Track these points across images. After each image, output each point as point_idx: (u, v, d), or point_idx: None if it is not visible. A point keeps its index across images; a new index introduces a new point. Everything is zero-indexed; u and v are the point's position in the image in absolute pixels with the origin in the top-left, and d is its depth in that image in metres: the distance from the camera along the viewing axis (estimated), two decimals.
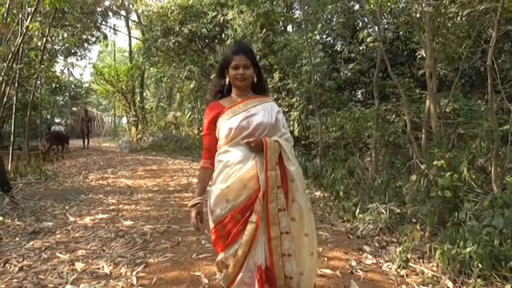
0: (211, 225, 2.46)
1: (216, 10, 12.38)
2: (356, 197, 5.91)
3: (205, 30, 12.85)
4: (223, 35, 13.66)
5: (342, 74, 10.40)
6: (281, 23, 11.36)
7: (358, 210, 5.39)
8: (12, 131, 10.39)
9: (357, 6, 9.79)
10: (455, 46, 6.64)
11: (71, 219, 6.06)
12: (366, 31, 8.20)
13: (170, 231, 5.28)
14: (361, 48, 9.74)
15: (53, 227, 5.66)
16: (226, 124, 2.43)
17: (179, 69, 14.49)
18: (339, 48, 10.80)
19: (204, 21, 12.63)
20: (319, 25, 9.28)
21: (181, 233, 5.15)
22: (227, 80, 2.54)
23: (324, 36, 12.02)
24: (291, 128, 10.86)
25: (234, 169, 2.37)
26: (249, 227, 2.30)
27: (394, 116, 7.70)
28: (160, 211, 6.40)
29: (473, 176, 4.49)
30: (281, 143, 2.41)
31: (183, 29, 12.62)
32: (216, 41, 13.71)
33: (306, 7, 9.30)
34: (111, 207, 6.74)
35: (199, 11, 12.78)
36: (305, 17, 9.29)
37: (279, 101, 11.31)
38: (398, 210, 4.88)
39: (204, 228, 3.15)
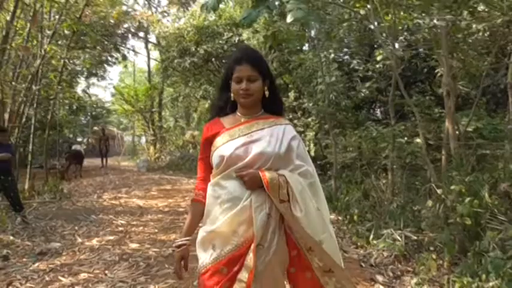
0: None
1: (231, 31, 12.40)
2: (371, 221, 5.63)
3: (220, 50, 12.85)
4: None
5: (359, 92, 10.20)
6: (296, 42, 11.22)
7: (372, 236, 5.11)
8: (30, 150, 10.48)
9: (375, 23, 9.62)
10: (476, 63, 6.40)
11: (79, 240, 5.99)
12: (381, 49, 7.99)
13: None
14: (377, 66, 9.54)
15: (60, 248, 5.61)
16: (219, 150, 1.97)
17: (195, 89, 14.52)
18: (355, 67, 10.62)
19: (220, 41, 12.65)
20: (334, 43, 9.16)
21: None
22: (232, 94, 2.03)
23: (341, 55, 11.86)
24: (307, 148, 10.66)
25: (223, 208, 1.90)
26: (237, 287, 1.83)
27: (410, 136, 7.42)
28: (168, 233, 6.25)
29: (496, 202, 4.18)
30: (289, 179, 1.88)
31: (198, 49, 12.65)
32: None
33: (319, 26, 9.14)
34: (120, 229, 6.64)
35: (215, 32, 12.81)
36: (318, 36, 9.14)
37: (295, 121, 11.15)
38: (415, 237, 4.59)
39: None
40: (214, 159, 1.98)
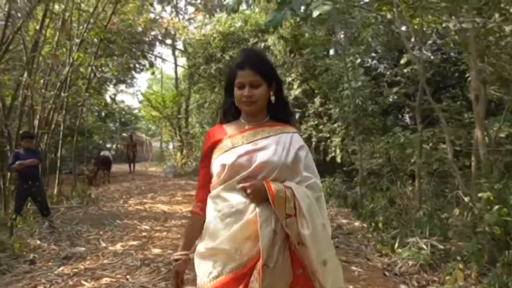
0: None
1: (257, 37, 12.41)
2: (396, 229, 5.48)
3: None
4: None
5: (386, 97, 10.01)
6: (321, 47, 11.16)
7: (397, 244, 4.97)
8: (59, 156, 10.70)
9: (403, 28, 9.45)
10: (509, 67, 6.17)
11: (103, 244, 6.06)
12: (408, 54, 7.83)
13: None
14: (405, 70, 9.34)
15: (85, 252, 5.68)
16: (220, 159, 1.80)
17: (220, 95, 14.58)
18: (382, 71, 10.44)
19: (245, 47, 12.64)
20: (361, 48, 9.03)
21: None
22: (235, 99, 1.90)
23: (368, 60, 11.71)
24: (333, 153, 10.53)
25: (225, 223, 1.72)
26: None
27: (439, 142, 7.21)
28: None
29: None
30: (296, 191, 1.71)
31: (224, 55, 12.72)
32: None
33: (343, 29, 9.04)
34: (143, 234, 6.69)
35: (241, 38, 12.85)
36: (344, 40, 9.03)
37: (320, 127, 11.05)
38: (442, 246, 4.43)
39: None
40: (215, 167, 1.82)
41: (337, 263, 1.83)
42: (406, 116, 11.93)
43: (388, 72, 10.04)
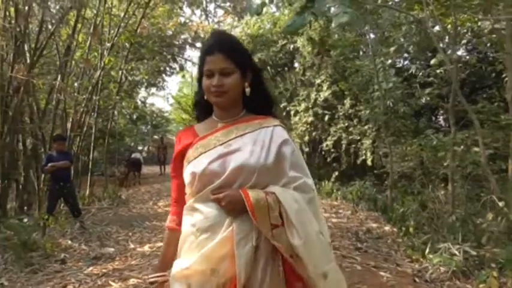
0: None
1: (286, 38, 12.33)
2: (428, 234, 5.31)
3: (275, 58, 12.82)
4: (294, 63, 13.57)
5: (418, 99, 9.76)
6: (349, 48, 11.00)
7: (428, 250, 4.81)
8: (91, 159, 10.94)
9: (436, 27, 9.21)
10: None
11: (131, 246, 6.14)
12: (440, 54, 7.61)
13: None
14: (438, 71, 9.09)
15: (114, 253, 5.77)
16: (190, 167, 1.55)
17: None
18: (414, 72, 10.20)
19: (274, 49, 12.63)
20: (392, 48, 8.84)
21: None
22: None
23: (401, 60, 11.47)
24: (364, 156, 10.36)
25: (199, 240, 1.49)
26: None
27: (473, 144, 6.95)
28: None
29: None
30: (280, 197, 1.46)
31: (253, 58, 12.67)
32: (286, 68, 13.63)
33: (371, 31, 8.88)
34: None
35: (269, 40, 12.81)
36: (374, 41, 8.87)
37: (351, 129, 10.88)
38: (475, 253, 4.25)
39: None
40: (186, 177, 1.58)
41: (340, 275, 1.58)
42: (440, 118, 11.63)
43: (420, 73, 9.78)
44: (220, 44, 1.57)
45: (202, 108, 1.71)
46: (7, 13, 7.28)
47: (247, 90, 1.60)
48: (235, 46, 1.61)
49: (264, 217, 1.43)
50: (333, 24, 3.67)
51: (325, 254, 1.52)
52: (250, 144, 1.53)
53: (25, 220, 6.74)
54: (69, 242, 6.24)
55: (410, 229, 5.81)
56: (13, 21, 7.18)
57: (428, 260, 4.67)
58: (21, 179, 8.37)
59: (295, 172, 1.55)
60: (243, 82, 1.58)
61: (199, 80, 1.63)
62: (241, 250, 1.43)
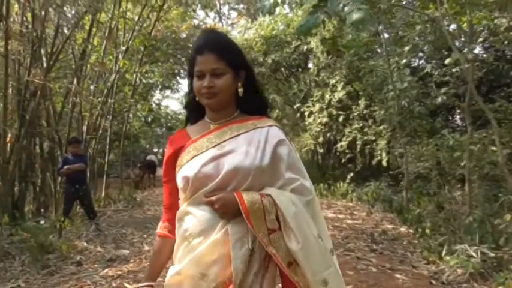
0: None
1: (299, 39, 12.30)
2: (444, 236, 5.23)
3: (289, 59, 12.81)
4: (308, 63, 13.53)
5: (434, 98, 9.64)
6: (365, 47, 10.92)
7: (444, 251, 4.73)
8: (107, 161, 11.05)
9: (452, 26, 9.08)
10: None
11: (146, 248, 6.14)
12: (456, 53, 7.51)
13: None
14: (454, 70, 8.96)
15: (129, 255, 5.78)
16: (183, 171, 1.50)
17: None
18: (430, 71, 10.07)
19: (288, 50, 12.61)
20: (406, 48, 8.75)
21: None
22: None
23: (416, 60, 11.35)
24: (379, 157, 10.26)
25: (192, 245, 1.44)
26: None
27: (491, 144, 6.84)
28: None
29: None
30: (277, 199, 1.41)
31: (266, 59, 12.69)
32: (300, 69, 13.60)
33: (384, 31, 8.80)
34: None
35: (283, 41, 12.79)
36: (388, 41, 8.78)
37: (365, 129, 10.80)
38: (493, 254, 4.17)
39: None
40: (179, 181, 1.52)
41: (339, 280, 1.50)
42: (457, 118, 11.48)
43: (436, 72, 9.66)
44: (211, 44, 1.50)
45: (194, 110, 1.64)
46: (24, 18, 7.41)
47: (240, 90, 1.55)
48: (227, 45, 1.54)
49: (259, 220, 1.38)
50: (347, 22, 3.64)
51: (325, 259, 1.45)
52: (245, 145, 1.48)
53: (42, 222, 6.83)
54: (85, 244, 6.27)
55: (427, 230, 5.74)
56: (30, 26, 7.31)
57: (445, 261, 4.59)
58: (38, 182, 8.48)
59: (292, 174, 1.49)
60: (236, 82, 1.53)
61: (191, 81, 1.56)
62: (238, 252, 1.37)
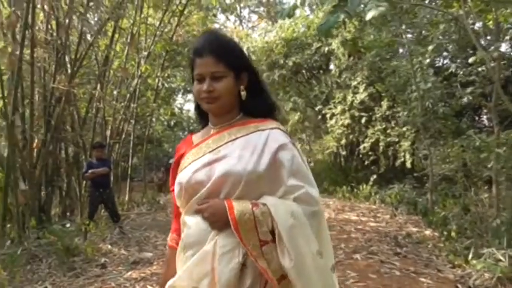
0: None
1: (320, 41, 12.24)
2: (470, 239, 5.11)
3: (310, 61, 12.76)
4: (330, 65, 13.45)
5: (459, 99, 9.45)
6: (387, 48, 10.79)
7: (471, 255, 4.62)
8: (130, 165, 11.18)
9: (478, 24, 8.89)
10: None
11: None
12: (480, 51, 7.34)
13: None
14: (480, 69, 8.76)
15: (152, 257, 5.83)
16: (179, 177, 1.45)
17: (284, 101, 14.56)
18: (454, 71, 9.87)
19: (309, 52, 12.56)
20: (430, 47, 8.61)
21: None
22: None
23: (441, 59, 11.16)
24: (402, 158, 10.11)
25: (186, 256, 1.38)
26: None
27: None
28: None
29: None
30: (273, 209, 1.29)
31: (287, 61, 12.67)
32: (321, 71, 13.52)
33: (407, 31, 8.67)
34: None
35: (304, 43, 12.76)
36: (410, 40, 8.66)
37: (388, 131, 10.66)
38: None
39: None
40: (175, 188, 1.46)
41: None
42: (484, 118, 11.22)
43: (461, 72, 9.47)
44: (210, 45, 1.42)
45: (200, 115, 1.59)
46: (49, 26, 7.58)
47: (243, 94, 1.46)
48: (227, 46, 1.46)
49: (249, 232, 1.27)
50: (367, 17, 3.60)
51: (322, 278, 1.31)
52: (239, 149, 1.38)
53: (67, 225, 6.96)
54: (109, 246, 6.36)
55: (453, 233, 5.62)
56: (54, 34, 7.47)
57: (472, 265, 4.48)
58: (64, 186, 8.64)
59: (295, 180, 1.35)
60: (238, 85, 1.45)
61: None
62: (224, 267, 1.27)
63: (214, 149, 1.41)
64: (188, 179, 1.39)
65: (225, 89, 1.40)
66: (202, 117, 1.58)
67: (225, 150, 1.39)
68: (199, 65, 1.41)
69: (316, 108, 13.07)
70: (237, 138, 1.41)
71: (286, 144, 1.39)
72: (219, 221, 1.30)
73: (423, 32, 9.64)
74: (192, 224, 1.38)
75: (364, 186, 10.76)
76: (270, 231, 1.28)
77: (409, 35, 10.29)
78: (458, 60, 10.16)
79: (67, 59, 8.02)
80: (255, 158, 1.34)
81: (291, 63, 12.59)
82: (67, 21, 7.38)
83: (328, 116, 12.20)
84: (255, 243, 1.27)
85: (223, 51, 1.42)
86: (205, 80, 1.40)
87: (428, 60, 9.21)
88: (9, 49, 6.19)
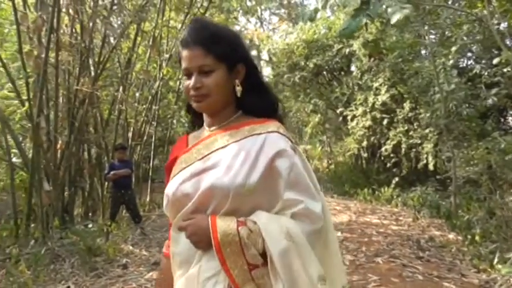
0: None
1: (341, 42, 12.17)
2: (496, 243, 4.99)
3: (331, 63, 12.69)
4: (351, 66, 13.35)
5: (484, 100, 9.27)
6: (410, 49, 10.66)
7: (496, 260, 4.51)
8: (151, 166, 11.28)
9: (503, 25, 8.71)
10: None
11: None
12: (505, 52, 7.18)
13: None
14: (505, 70, 8.57)
15: None
16: (167, 187, 1.29)
17: (304, 103, 14.51)
18: (479, 72, 9.69)
19: (330, 54, 12.48)
20: (453, 48, 8.47)
21: None
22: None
23: (465, 60, 10.98)
24: (425, 161, 9.96)
25: (176, 276, 1.27)
26: None
27: None
28: None
29: None
30: (263, 228, 1.11)
31: (308, 63, 12.62)
32: (342, 73, 13.43)
33: (429, 31, 8.54)
34: None
35: (325, 45, 12.68)
36: (433, 41, 8.53)
37: (411, 133, 10.51)
38: None
39: None
40: (163, 200, 1.31)
41: None
42: (510, 119, 10.97)
43: (485, 73, 9.28)
44: (197, 35, 1.23)
45: (194, 114, 1.40)
46: (73, 30, 7.73)
47: (238, 89, 1.27)
48: (218, 34, 1.25)
49: (235, 255, 1.10)
50: (392, 21, 3.56)
51: None
52: (229, 157, 1.20)
53: (90, 226, 7.05)
54: (131, 247, 6.41)
55: (477, 237, 5.50)
56: (79, 38, 7.61)
57: (497, 270, 4.38)
58: (87, 187, 8.76)
59: (292, 194, 1.16)
60: (232, 79, 1.26)
61: None
62: None
63: (204, 156, 1.24)
64: (175, 190, 1.24)
65: (215, 85, 1.22)
66: (198, 116, 1.39)
67: (214, 158, 1.23)
68: (185, 58, 1.24)
69: (337, 110, 12.98)
70: (229, 144, 1.23)
71: (284, 151, 1.19)
72: (201, 241, 1.15)
73: (446, 32, 9.48)
74: (180, 240, 1.22)
75: (386, 188, 10.62)
76: (260, 253, 1.11)
77: (432, 36, 10.14)
78: (483, 61, 9.98)
79: (91, 61, 8.15)
80: (246, 168, 1.16)
81: (311, 65, 12.52)
82: (91, 24, 7.51)
83: (349, 117, 12.10)
84: (241, 268, 1.11)
85: (212, 41, 1.23)
86: (192, 76, 1.24)
87: (451, 61, 9.06)
88: (35, 52, 6.32)
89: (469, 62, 11.03)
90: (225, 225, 1.12)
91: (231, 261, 1.10)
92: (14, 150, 7.23)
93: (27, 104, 6.46)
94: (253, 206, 1.16)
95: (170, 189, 1.25)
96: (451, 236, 6.34)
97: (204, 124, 1.35)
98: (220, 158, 1.21)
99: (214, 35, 1.24)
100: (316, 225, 1.17)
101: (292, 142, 1.25)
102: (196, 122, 1.42)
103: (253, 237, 1.11)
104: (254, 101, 1.30)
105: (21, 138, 7.70)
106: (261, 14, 18.17)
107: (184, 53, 1.24)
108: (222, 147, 1.23)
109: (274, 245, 1.09)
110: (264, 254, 1.12)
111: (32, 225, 6.65)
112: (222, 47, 1.23)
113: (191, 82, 1.23)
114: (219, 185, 1.14)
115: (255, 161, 1.17)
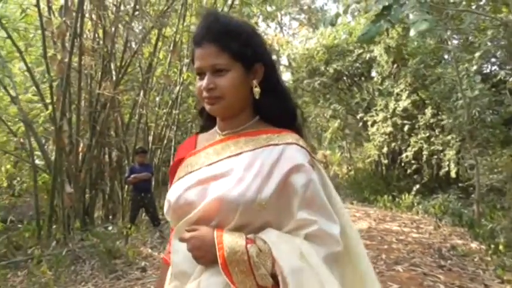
0: None
1: (362, 48, 12.07)
2: None
3: (351, 68, 12.61)
4: (371, 72, 13.24)
5: (508, 106, 9.08)
6: (432, 54, 10.51)
7: None
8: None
9: None
10: None
11: None
12: None
13: None
14: None
15: None
16: (169, 191, 1.20)
17: (324, 109, 14.44)
18: (503, 78, 9.51)
19: (350, 59, 12.40)
20: (477, 54, 8.33)
21: None
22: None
23: (489, 66, 10.78)
24: (447, 168, 9.79)
25: (171, 286, 1.18)
26: None
27: None
28: None
29: None
30: (275, 248, 1.01)
31: (328, 68, 12.56)
32: (363, 78, 13.32)
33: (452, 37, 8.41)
34: None
35: (345, 50, 12.60)
36: (456, 47, 8.40)
37: (432, 139, 10.36)
38: None
39: None
40: (165, 204, 1.22)
41: None
42: None
43: (510, 79, 9.10)
44: (210, 31, 1.12)
45: (207, 116, 1.28)
46: (96, 35, 7.85)
47: (256, 90, 1.14)
48: (234, 30, 1.14)
49: (242, 275, 1.00)
50: (411, 33, 3.51)
51: None
52: (242, 168, 1.09)
53: (110, 228, 7.13)
54: (149, 250, 6.45)
55: (501, 247, 5.37)
56: (101, 42, 7.74)
57: None
58: (107, 190, 8.86)
59: (306, 213, 1.06)
60: (249, 80, 1.15)
61: None
62: None
63: (213, 163, 1.14)
64: (177, 197, 1.14)
65: (229, 86, 1.11)
66: (210, 120, 1.28)
67: (225, 166, 1.12)
68: (198, 57, 1.14)
69: (357, 116, 12.87)
70: (242, 152, 1.13)
71: (302, 165, 1.09)
72: (204, 257, 1.04)
73: (470, 38, 9.33)
74: (180, 250, 1.11)
75: (407, 195, 10.47)
76: (271, 274, 1.01)
77: (455, 41, 10.01)
78: (508, 67, 9.79)
79: (112, 66, 8.26)
80: (258, 181, 1.05)
81: (331, 70, 12.45)
82: (113, 29, 7.63)
83: (369, 123, 11.99)
84: None
85: (227, 37, 1.11)
86: (204, 76, 1.13)
87: (475, 67, 8.91)
88: (59, 57, 6.44)
89: (493, 68, 10.84)
90: (232, 241, 1.01)
91: (239, 282, 0.99)
92: (37, 153, 7.37)
93: (50, 107, 6.58)
94: (263, 222, 1.06)
95: (173, 194, 1.16)
96: (474, 245, 6.20)
97: (216, 127, 1.25)
98: (231, 167, 1.11)
99: (230, 31, 1.13)
100: (334, 249, 1.06)
101: (311, 156, 1.16)
102: (208, 127, 1.30)
103: (262, 257, 1.00)
104: (272, 106, 1.19)
105: (44, 141, 7.85)
106: (281, 19, 18.19)
107: (197, 51, 1.14)
108: (235, 155, 1.13)
109: (287, 265, 0.99)
110: (273, 276, 1.01)
111: (54, 226, 6.75)
112: (238, 44, 1.12)
113: (203, 83, 1.12)
114: (228, 198, 1.04)
115: (269, 174, 1.06)
